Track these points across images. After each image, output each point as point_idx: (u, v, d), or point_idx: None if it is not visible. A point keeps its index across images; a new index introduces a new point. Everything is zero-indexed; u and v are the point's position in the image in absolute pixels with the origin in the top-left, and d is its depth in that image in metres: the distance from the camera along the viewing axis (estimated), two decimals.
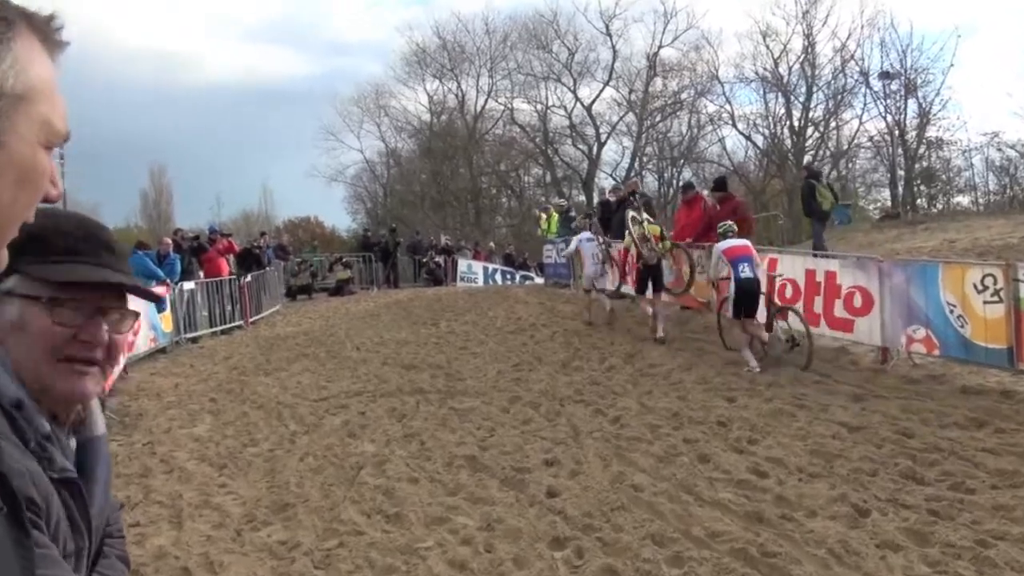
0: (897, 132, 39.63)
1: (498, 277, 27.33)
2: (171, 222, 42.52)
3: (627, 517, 5.54)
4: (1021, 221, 19.67)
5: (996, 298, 8.03)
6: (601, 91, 46.87)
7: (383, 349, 13.40)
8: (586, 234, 14.55)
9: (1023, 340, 7.86)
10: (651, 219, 12.99)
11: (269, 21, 65.85)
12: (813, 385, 8.78)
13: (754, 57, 43.34)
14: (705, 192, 14.17)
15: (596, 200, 25.62)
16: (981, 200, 36.09)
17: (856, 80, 41.36)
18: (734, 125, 44.39)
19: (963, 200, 37.55)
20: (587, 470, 6.61)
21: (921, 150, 39.70)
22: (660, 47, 45.17)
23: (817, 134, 43.43)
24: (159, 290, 12.76)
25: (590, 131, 47.75)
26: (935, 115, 39.05)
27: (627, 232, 12.85)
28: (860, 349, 9.77)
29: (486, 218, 49.24)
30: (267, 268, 20.73)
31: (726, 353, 10.47)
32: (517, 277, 27.39)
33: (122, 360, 9.46)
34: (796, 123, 43.37)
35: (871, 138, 41.27)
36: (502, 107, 48.17)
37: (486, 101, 48.46)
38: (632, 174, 42.26)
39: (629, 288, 13.84)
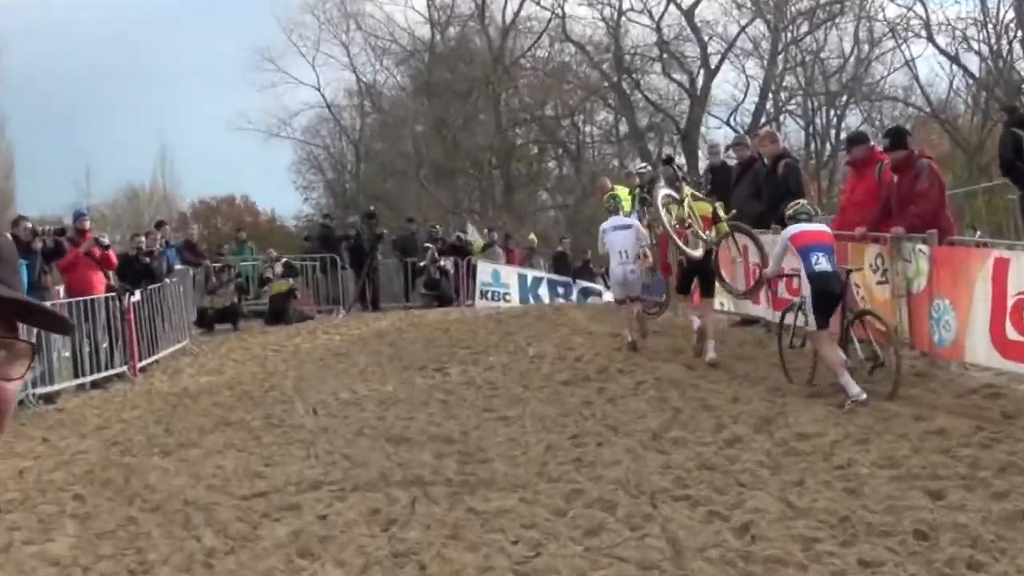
0: None
1: (543, 291, 20.31)
2: (11, 207, 28.91)
3: None
4: None
5: None
6: None
7: (356, 412, 10.25)
8: (617, 218, 11.29)
9: None
10: (696, 194, 10.31)
11: None
12: None
13: None
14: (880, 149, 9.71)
15: (704, 164, 19.39)
16: None
17: None
18: (931, 39, 30.16)
19: None
20: None
21: None
22: None
23: None
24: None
25: (693, 51, 32.76)
26: None
27: (658, 216, 10.06)
28: None
29: (522, 196, 34.45)
30: (166, 280, 15.14)
31: (926, 411, 8.20)
32: (574, 292, 20.33)
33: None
34: None
35: None
36: (548, 12, 32.94)
37: (522, 3, 32.97)
38: (763, 121, 30.55)
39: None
